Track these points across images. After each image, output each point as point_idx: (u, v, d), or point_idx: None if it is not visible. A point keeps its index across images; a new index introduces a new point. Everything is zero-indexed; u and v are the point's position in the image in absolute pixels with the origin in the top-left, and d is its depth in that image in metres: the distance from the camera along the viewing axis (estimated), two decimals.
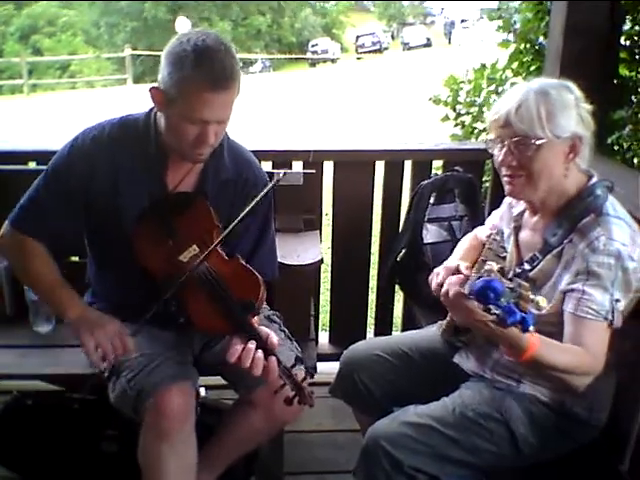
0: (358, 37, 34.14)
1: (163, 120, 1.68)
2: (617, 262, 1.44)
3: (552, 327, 1.50)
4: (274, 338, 1.58)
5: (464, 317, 1.48)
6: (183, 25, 11.84)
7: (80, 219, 1.78)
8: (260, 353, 1.53)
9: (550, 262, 1.56)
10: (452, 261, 1.80)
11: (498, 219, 1.86)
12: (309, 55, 31.06)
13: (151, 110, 1.74)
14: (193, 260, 1.65)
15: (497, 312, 1.24)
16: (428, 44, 31.90)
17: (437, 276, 1.75)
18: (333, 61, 30.13)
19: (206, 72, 1.52)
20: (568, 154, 1.53)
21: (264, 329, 1.60)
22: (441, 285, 1.73)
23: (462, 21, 30.12)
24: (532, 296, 1.26)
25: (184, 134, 1.61)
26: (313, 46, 31.78)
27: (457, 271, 1.70)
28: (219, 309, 1.60)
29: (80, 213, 1.76)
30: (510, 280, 1.30)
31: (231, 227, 1.60)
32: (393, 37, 37.27)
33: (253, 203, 1.59)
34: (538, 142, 1.50)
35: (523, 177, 1.57)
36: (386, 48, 33.26)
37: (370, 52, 32.02)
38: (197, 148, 1.64)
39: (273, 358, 1.54)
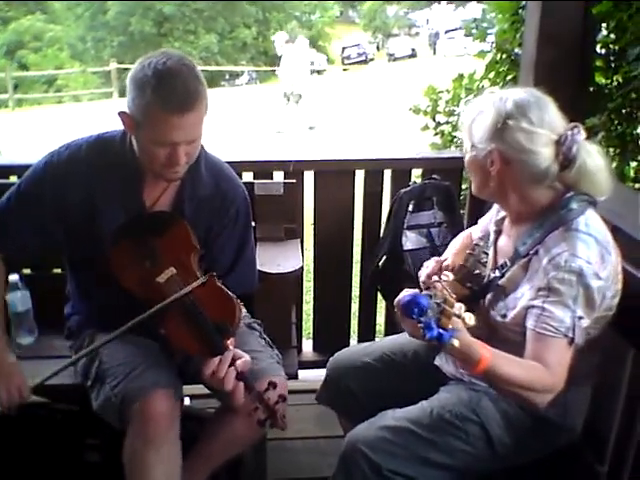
0: (344, 49, 34.26)
1: (136, 142, 1.69)
2: (579, 279, 1.42)
3: (516, 336, 1.51)
4: (246, 363, 1.60)
5: (409, 329, 1.46)
6: None
7: (50, 235, 1.78)
8: (232, 372, 1.56)
9: (517, 271, 1.56)
10: (444, 255, 1.87)
11: (488, 219, 1.87)
12: None
13: None
14: (170, 281, 1.67)
15: (421, 326, 1.28)
16: (413, 55, 32.06)
17: (427, 268, 1.81)
18: (319, 72, 30.16)
19: (168, 96, 1.53)
20: (489, 167, 1.55)
21: (238, 352, 1.61)
22: (430, 276, 1.79)
23: (446, 32, 30.32)
24: (457, 312, 1.29)
25: (154, 156, 1.62)
26: None
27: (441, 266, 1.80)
28: (194, 331, 1.61)
29: (52, 230, 1.77)
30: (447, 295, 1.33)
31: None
32: (378, 48, 37.44)
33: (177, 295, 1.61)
34: (465, 149, 1.63)
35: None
36: (372, 59, 33.39)
37: (356, 63, 32.13)
38: (169, 168, 1.65)
39: (240, 384, 1.56)
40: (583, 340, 1.47)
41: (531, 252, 1.53)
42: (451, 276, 1.47)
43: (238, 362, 1.58)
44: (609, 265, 1.47)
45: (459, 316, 1.30)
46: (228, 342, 1.61)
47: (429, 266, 1.82)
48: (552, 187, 1.54)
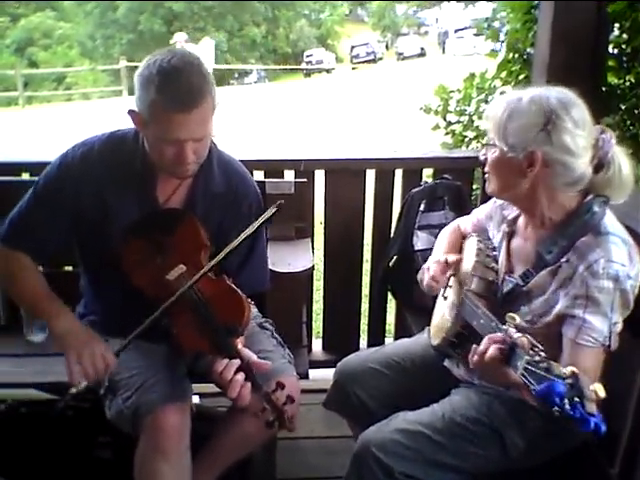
0: (353, 47, 34.31)
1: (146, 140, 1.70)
2: (616, 285, 1.41)
3: (541, 338, 1.43)
4: (255, 360, 1.59)
5: (495, 379, 1.43)
6: None
7: (68, 233, 1.79)
8: (239, 376, 1.54)
9: (544, 277, 1.54)
10: (439, 254, 1.83)
11: (484, 215, 1.85)
12: (304, 65, 31.20)
13: None
14: (180, 279, 1.66)
15: (560, 411, 1.12)
16: (422, 54, 32.07)
17: (428, 270, 1.78)
18: (328, 71, 30.24)
19: (172, 95, 1.53)
20: (526, 168, 1.48)
21: (247, 352, 1.61)
22: (434, 279, 1.76)
23: (456, 31, 30.27)
24: (592, 389, 1.12)
25: (162, 154, 1.63)
26: (308, 56, 31.95)
27: (445, 264, 1.75)
28: (203, 330, 1.61)
29: (69, 227, 1.77)
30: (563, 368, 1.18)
31: (212, 264, 1.61)
32: (387, 47, 37.43)
33: (237, 242, 1.60)
34: (492, 148, 1.54)
35: (487, 177, 1.61)
36: (380, 58, 33.41)
37: (365, 62, 32.16)
38: (178, 165, 1.65)
39: (248, 384, 1.54)
40: (616, 345, 1.46)
41: (562, 260, 1.49)
42: (517, 319, 1.33)
43: (253, 358, 1.58)
44: (637, 263, 1.46)
45: (595, 392, 1.13)
46: (237, 342, 1.61)
47: (430, 268, 1.78)
48: (579, 191, 1.51)
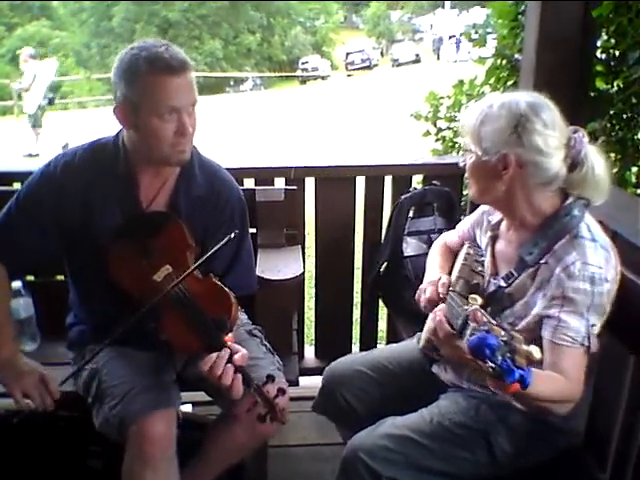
0: (348, 54, 34.51)
1: (134, 136, 1.70)
2: (592, 287, 1.43)
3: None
4: (245, 355, 1.60)
5: (454, 355, 1.45)
6: None
7: (52, 242, 1.79)
8: (231, 365, 1.55)
9: (524, 280, 1.56)
10: (434, 274, 1.83)
11: (469, 225, 1.87)
12: (299, 73, 31.34)
13: (119, 132, 1.78)
14: (167, 279, 1.67)
15: (493, 366, 1.17)
16: (417, 60, 32.24)
17: (424, 292, 1.78)
18: (323, 78, 30.36)
19: (161, 61, 1.60)
20: (501, 171, 1.51)
21: (236, 346, 1.62)
22: (430, 301, 1.75)
23: (450, 37, 30.41)
24: (525, 347, 1.19)
25: (162, 133, 1.64)
26: (303, 64, 32.10)
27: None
28: (192, 327, 1.62)
29: (52, 236, 1.78)
30: (503, 330, 1.21)
31: (197, 264, 1.63)
32: (382, 54, 37.62)
33: (220, 244, 1.61)
34: (469, 153, 1.57)
35: (468, 182, 1.64)
36: (375, 65, 33.60)
37: (360, 69, 32.35)
38: (178, 145, 1.67)
39: (239, 375, 1.56)
40: (597, 347, 1.47)
41: (541, 262, 1.52)
42: (479, 300, 1.38)
43: (236, 356, 1.58)
44: (611, 268, 1.48)
45: (527, 352, 1.19)
46: (226, 338, 1.61)
47: (426, 290, 1.78)
48: (556, 191, 1.54)
